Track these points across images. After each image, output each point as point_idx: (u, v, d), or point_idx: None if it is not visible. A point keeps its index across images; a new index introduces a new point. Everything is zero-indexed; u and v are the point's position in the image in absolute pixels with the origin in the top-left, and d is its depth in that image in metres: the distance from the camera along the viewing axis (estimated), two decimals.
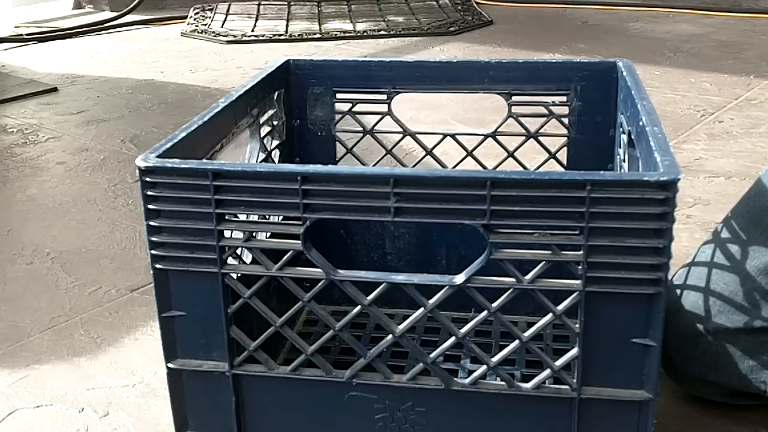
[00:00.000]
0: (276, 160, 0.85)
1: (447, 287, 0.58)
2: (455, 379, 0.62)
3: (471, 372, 0.78)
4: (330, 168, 0.56)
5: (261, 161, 0.81)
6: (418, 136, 0.90)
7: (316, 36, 2.79)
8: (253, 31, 2.89)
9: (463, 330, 0.60)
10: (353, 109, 0.89)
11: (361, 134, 0.90)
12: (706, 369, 0.79)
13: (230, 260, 0.61)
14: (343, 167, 0.57)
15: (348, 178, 0.56)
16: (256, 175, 0.57)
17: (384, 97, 0.88)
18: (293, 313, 0.62)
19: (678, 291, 0.79)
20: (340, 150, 0.91)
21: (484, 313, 0.59)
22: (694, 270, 0.79)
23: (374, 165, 0.91)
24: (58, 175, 1.60)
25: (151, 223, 0.59)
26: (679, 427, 0.81)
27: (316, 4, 3.37)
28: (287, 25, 2.97)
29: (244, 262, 0.65)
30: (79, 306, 1.10)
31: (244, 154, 0.81)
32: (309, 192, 0.56)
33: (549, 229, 0.55)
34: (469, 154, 0.90)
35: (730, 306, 0.76)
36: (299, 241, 0.58)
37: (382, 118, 0.89)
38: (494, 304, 0.58)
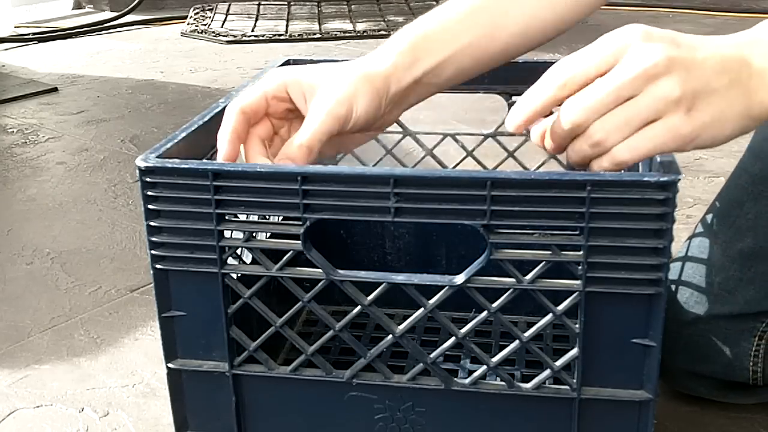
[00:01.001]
0: None
1: (447, 287, 0.58)
2: (455, 379, 0.62)
3: (471, 372, 0.78)
4: (330, 168, 0.56)
5: None
6: (418, 136, 0.90)
7: (316, 36, 2.79)
8: (253, 31, 2.89)
9: (463, 330, 0.60)
10: None
11: None
12: (691, 361, 0.79)
13: (230, 260, 0.61)
14: (343, 167, 0.57)
15: (348, 179, 0.55)
16: (256, 176, 0.56)
17: None
18: (293, 314, 0.62)
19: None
20: None
21: (484, 313, 0.59)
22: (675, 266, 0.79)
23: (374, 165, 0.91)
24: (58, 175, 1.60)
25: (151, 223, 0.59)
26: (679, 427, 0.81)
27: (316, 4, 3.37)
28: (287, 25, 2.97)
29: (244, 262, 0.65)
30: (79, 306, 1.10)
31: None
32: (309, 192, 0.56)
33: (549, 229, 0.55)
34: (469, 154, 0.90)
35: (707, 296, 0.77)
36: (299, 241, 0.58)
37: None
38: (494, 305, 0.58)
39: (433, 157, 0.91)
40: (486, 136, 0.88)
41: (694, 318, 0.77)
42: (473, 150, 0.89)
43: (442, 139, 0.90)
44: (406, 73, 0.65)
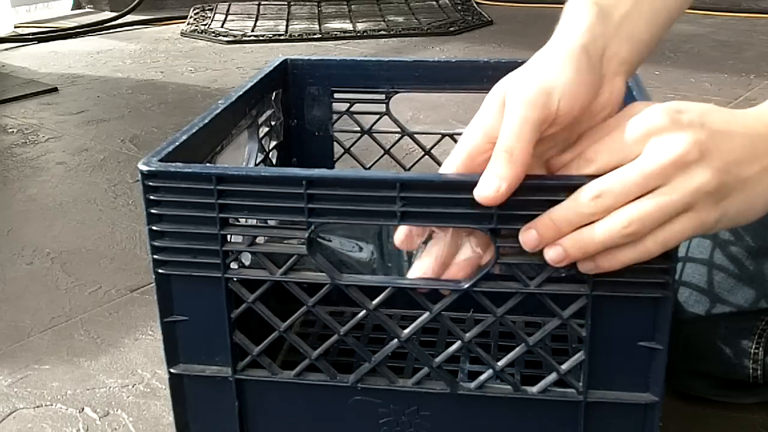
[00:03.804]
0: (274, 160, 0.85)
1: (452, 291, 0.58)
2: (461, 383, 0.62)
3: (471, 373, 0.78)
4: (335, 172, 0.56)
5: (259, 162, 0.80)
6: (416, 135, 0.90)
7: (316, 36, 2.79)
8: (253, 31, 2.89)
9: (468, 334, 0.60)
10: (351, 109, 0.89)
11: (359, 134, 0.89)
12: (691, 359, 0.79)
13: (232, 264, 0.61)
14: (349, 171, 0.57)
15: (353, 182, 0.55)
16: (261, 179, 0.56)
17: (382, 96, 0.87)
18: (297, 318, 0.61)
19: None
20: (337, 150, 0.91)
21: (490, 317, 0.58)
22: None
23: (372, 165, 0.91)
24: (58, 175, 1.59)
25: (154, 227, 0.59)
26: (679, 426, 0.81)
27: (316, 4, 3.36)
28: (287, 25, 2.97)
29: (244, 265, 0.64)
30: (79, 306, 1.10)
31: (242, 155, 0.80)
32: (314, 196, 0.55)
33: None
34: None
35: (707, 295, 0.77)
36: (304, 246, 0.57)
37: (380, 118, 0.88)
38: (500, 309, 0.58)
39: (432, 157, 0.91)
40: None
41: (694, 317, 0.77)
42: None
43: (441, 139, 0.90)
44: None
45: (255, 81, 0.79)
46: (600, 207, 0.50)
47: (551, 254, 0.52)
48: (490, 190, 0.51)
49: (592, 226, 0.50)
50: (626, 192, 0.49)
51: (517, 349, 0.59)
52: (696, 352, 0.79)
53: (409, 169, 0.90)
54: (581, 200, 0.50)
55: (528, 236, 0.52)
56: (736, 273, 0.75)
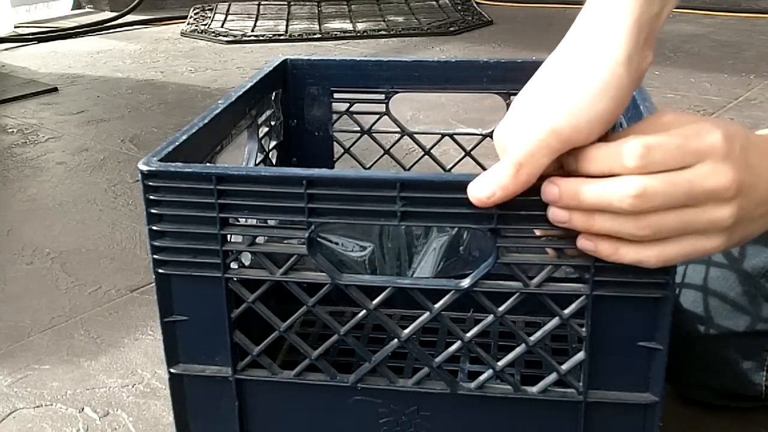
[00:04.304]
0: (273, 160, 0.85)
1: (453, 291, 0.58)
2: (461, 383, 0.62)
3: (471, 373, 0.78)
4: (335, 172, 0.56)
5: (259, 162, 0.80)
6: (416, 135, 0.89)
7: (316, 36, 2.79)
8: (253, 31, 2.89)
9: (469, 334, 0.60)
10: (351, 109, 0.89)
11: (359, 134, 0.89)
12: (702, 372, 0.79)
13: (232, 264, 0.61)
14: (349, 171, 0.56)
15: (354, 182, 0.55)
16: (261, 179, 0.56)
17: (382, 96, 0.87)
18: (297, 318, 0.61)
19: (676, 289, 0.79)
20: (337, 150, 0.91)
21: (490, 317, 0.58)
22: (691, 269, 0.79)
23: (372, 165, 0.91)
24: (58, 175, 1.59)
25: (154, 227, 0.59)
26: (680, 427, 0.80)
27: (316, 4, 3.36)
28: (287, 25, 2.97)
29: (244, 265, 0.65)
30: (79, 306, 1.10)
31: (242, 155, 0.80)
32: (314, 196, 0.55)
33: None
34: (467, 154, 0.89)
35: (725, 308, 0.76)
36: (304, 246, 0.57)
37: (379, 118, 0.88)
38: (500, 309, 0.58)
39: (432, 157, 0.91)
40: (485, 136, 0.88)
41: (706, 332, 0.76)
42: (471, 150, 0.88)
43: (440, 139, 0.90)
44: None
45: (255, 81, 0.79)
46: (637, 207, 0.49)
47: (555, 214, 0.52)
48: (483, 193, 0.51)
49: (608, 213, 0.50)
50: (671, 198, 0.49)
51: (517, 349, 0.59)
52: (708, 365, 0.78)
53: (409, 169, 0.90)
54: (620, 192, 0.49)
55: (549, 190, 0.51)
56: (752, 290, 0.75)
